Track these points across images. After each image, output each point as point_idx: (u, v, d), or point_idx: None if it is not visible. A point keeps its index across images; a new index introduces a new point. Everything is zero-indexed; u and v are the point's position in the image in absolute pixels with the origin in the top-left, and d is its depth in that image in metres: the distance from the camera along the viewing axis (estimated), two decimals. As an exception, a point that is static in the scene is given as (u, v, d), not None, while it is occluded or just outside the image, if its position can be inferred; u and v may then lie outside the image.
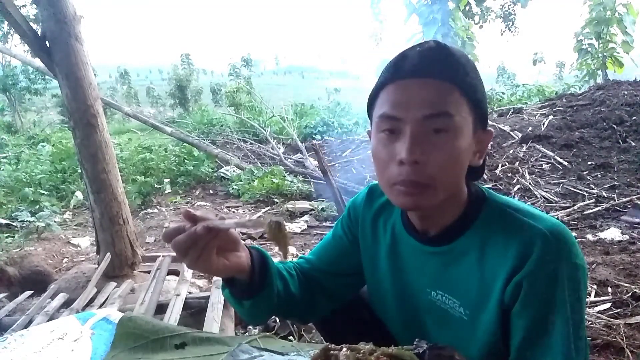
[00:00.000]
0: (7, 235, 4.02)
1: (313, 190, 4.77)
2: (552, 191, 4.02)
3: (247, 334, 2.14)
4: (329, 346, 0.68)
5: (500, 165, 4.66)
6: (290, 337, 2.03)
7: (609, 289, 2.31)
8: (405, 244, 0.90)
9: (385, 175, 0.77)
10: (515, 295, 0.73)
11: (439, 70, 0.74)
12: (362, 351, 0.66)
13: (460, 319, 0.82)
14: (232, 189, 5.09)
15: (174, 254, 3.02)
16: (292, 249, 3.36)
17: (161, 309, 2.05)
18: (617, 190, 3.89)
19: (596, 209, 3.55)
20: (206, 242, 0.72)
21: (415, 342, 0.69)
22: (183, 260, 0.74)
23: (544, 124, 5.63)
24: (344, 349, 0.66)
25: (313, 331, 2.08)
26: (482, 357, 0.79)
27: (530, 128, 5.59)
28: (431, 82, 0.73)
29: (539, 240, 0.72)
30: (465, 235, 0.81)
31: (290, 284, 0.95)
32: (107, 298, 2.32)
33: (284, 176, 5.12)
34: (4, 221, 4.28)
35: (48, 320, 1.91)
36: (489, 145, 0.82)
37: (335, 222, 1.08)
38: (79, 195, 5.24)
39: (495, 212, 0.80)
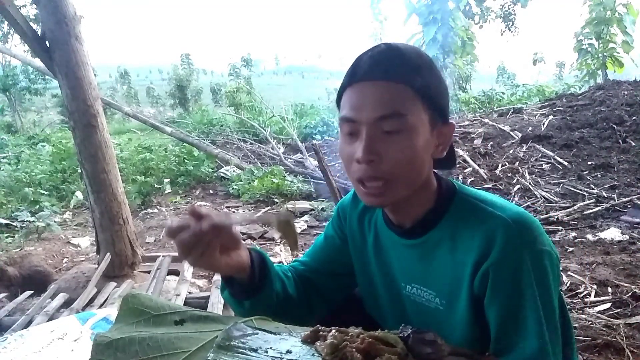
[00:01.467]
0: (7, 235, 4.02)
1: (313, 190, 4.77)
2: (552, 191, 4.02)
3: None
4: (319, 327, 0.71)
5: (500, 165, 4.66)
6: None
7: (609, 289, 2.31)
8: (386, 238, 0.93)
9: (350, 173, 0.81)
10: (484, 284, 0.76)
11: (389, 72, 0.76)
12: (350, 334, 0.68)
13: (437, 309, 0.84)
14: (232, 189, 5.09)
15: (174, 254, 3.01)
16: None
17: (161, 309, 2.05)
18: (617, 190, 3.89)
19: (596, 209, 3.55)
20: (211, 240, 0.72)
21: (401, 327, 0.71)
22: (186, 258, 0.74)
23: (544, 124, 5.63)
24: (333, 331, 0.69)
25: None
26: (462, 345, 0.80)
27: (530, 128, 5.59)
28: (382, 83, 0.76)
29: (501, 229, 0.75)
30: (437, 227, 0.83)
31: (287, 285, 0.96)
32: (107, 298, 2.32)
33: (284, 176, 5.12)
34: (4, 221, 4.28)
35: (48, 320, 1.91)
36: (452, 137, 0.84)
37: (327, 224, 1.09)
38: (79, 195, 5.24)
39: (464, 204, 0.82)
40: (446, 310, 0.83)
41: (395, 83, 0.75)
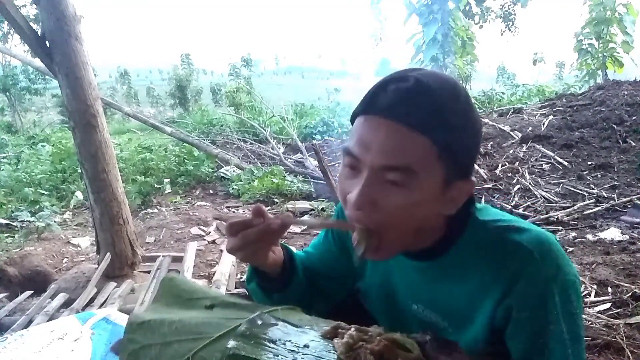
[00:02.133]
0: (7, 235, 4.02)
1: (313, 190, 4.77)
2: (552, 191, 4.02)
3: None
4: (340, 324, 0.71)
5: (500, 165, 4.66)
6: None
7: (609, 289, 2.31)
8: None
9: (343, 202, 0.75)
10: (507, 318, 0.72)
11: (412, 117, 0.65)
12: (369, 333, 0.68)
13: (445, 330, 0.81)
14: (232, 189, 5.09)
15: (174, 254, 3.00)
16: (292, 249, 3.36)
17: (161, 309, 2.05)
18: (617, 190, 3.89)
19: (596, 209, 3.55)
20: (273, 238, 0.77)
21: (420, 332, 0.70)
22: (239, 253, 0.76)
23: (544, 124, 5.63)
24: (352, 330, 0.69)
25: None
26: None
27: (530, 128, 5.59)
28: (399, 128, 0.65)
29: (524, 262, 0.70)
30: (449, 253, 0.78)
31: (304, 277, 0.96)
32: (107, 298, 2.32)
33: (284, 176, 5.12)
34: (4, 221, 4.28)
35: (48, 320, 1.91)
36: (468, 195, 0.74)
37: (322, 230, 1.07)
38: (79, 195, 5.24)
39: (479, 230, 0.76)
40: (455, 332, 0.80)
41: (416, 132, 0.65)
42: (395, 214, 0.69)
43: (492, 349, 0.78)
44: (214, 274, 2.62)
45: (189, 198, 5.13)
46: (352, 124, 0.73)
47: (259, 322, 0.71)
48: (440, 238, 0.77)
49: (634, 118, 5.21)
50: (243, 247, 0.74)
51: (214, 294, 0.82)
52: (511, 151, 5.01)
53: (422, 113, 0.65)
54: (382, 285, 0.92)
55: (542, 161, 4.72)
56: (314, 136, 8.14)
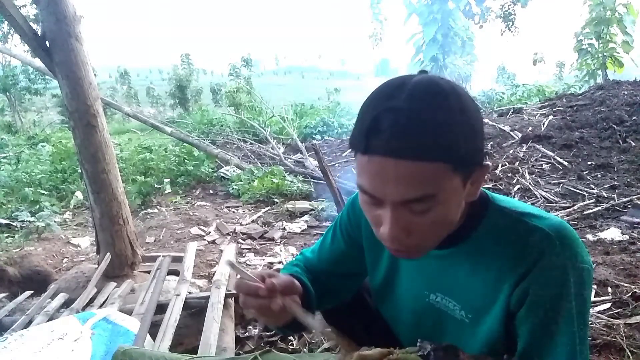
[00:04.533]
0: (7, 235, 4.02)
1: (313, 190, 4.77)
2: (552, 191, 4.02)
3: (247, 333, 2.15)
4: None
5: (500, 165, 4.66)
6: (291, 338, 2.03)
7: (609, 289, 2.30)
8: None
9: (374, 228, 0.75)
10: (522, 300, 0.73)
11: (414, 149, 0.63)
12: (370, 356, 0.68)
13: (462, 321, 0.82)
14: (232, 189, 5.09)
15: (174, 253, 3.00)
16: (292, 249, 3.37)
17: (161, 309, 2.05)
18: (617, 190, 3.89)
19: (596, 209, 3.55)
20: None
21: (418, 344, 0.70)
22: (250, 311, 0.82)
23: (544, 124, 5.63)
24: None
25: (312, 332, 2.08)
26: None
27: (530, 128, 5.59)
28: (407, 164, 0.63)
29: (543, 245, 0.72)
30: (468, 240, 0.79)
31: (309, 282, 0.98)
32: (107, 298, 2.32)
33: (284, 176, 5.12)
34: (4, 221, 4.28)
35: (48, 320, 1.91)
36: (485, 175, 0.76)
37: (333, 222, 1.06)
38: (79, 195, 5.25)
39: (498, 217, 0.78)
40: (471, 323, 0.81)
41: (424, 162, 0.63)
42: (429, 231, 0.71)
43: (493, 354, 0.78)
44: (214, 274, 2.61)
45: (189, 198, 5.13)
46: (354, 155, 0.71)
47: None
48: (462, 224, 0.78)
49: (634, 118, 5.21)
50: (246, 308, 0.80)
51: (177, 359, 0.77)
52: (511, 151, 5.01)
53: (425, 142, 0.62)
54: (402, 277, 0.92)
55: (542, 161, 4.72)
56: (314, 136, 8.15)
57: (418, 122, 0.63)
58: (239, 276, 0.80)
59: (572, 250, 0.72)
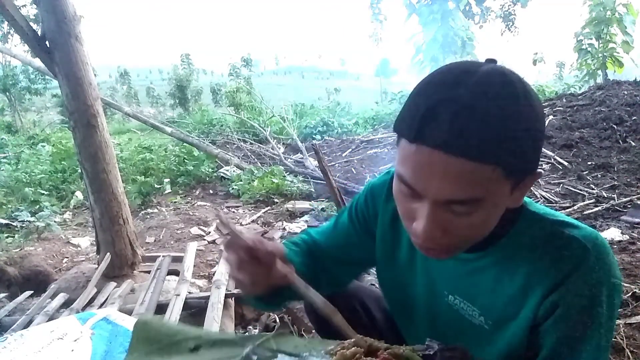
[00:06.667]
0: (7, 235, 4.02)
1: (313, 190, 4.77)
2: (552, 191, 4.02)
3: (247, 334, 2.15)
4: (343, 343, 0.69)
5: (500, 165, 4.66)
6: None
7: (609, 289, 2.31)
8: None
9: (404, 220, 0.71)
10: (549, 312, 0.69)
11: (471, 148, 0.57)
12: (371, 344, 0.66)
13: (480, 327, 0.79)
14: (232, 189, 5.09)
15: (174, 253, 3.00)
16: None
17: (161, 309, 2.05)
18: (617, 190, 3.89)
19: (596, 209, 3.55)
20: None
21: (427, 342, 0.67)
22: (235, 274, 0.76)
23: (544, 124, 5.63)
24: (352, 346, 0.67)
25: (313, 331, 2.08)
26: None
27: (530, 128, 5.58)
28: (459, 162, 0.57)
29: (579, 258, 0.68)
30: (497, 245, 0.74)
31: (304, 264, 0.93)
32: (107, 298, 2.32)
33: (284, 176, 5.12)
34: (4, 221, 4.28)
35: (48, 320, 1.91)
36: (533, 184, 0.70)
37: (347, 206, 1.01)
38: (79, 195, 5.25)
39: (531, 223, 0.74)
40: (491, 330, 0.77)
41: (478, 163, 0.57)
42: (465, 234, 0.66)
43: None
44: (214, 274, 2.61)
45: (189, 198, 5.13)
46: (397, 141, 0.66)
47: (255, 358, 0.67)
48: (494, 228, 0.72)
49: (634, 118, 5.21)
50: (238, 269, 0.74)
51: (195, 333, 0.76)
52: (511, 151, 5.01)
53: (483, 141, 0.57)
54: (418, 276, 0.88)
55: (542, 161, 4.71)
56: (314, 136, 8.15)
57: (481, 120, 0.57)
58: (228, 233, 0.75)
59: (607, 265, 0.68)
